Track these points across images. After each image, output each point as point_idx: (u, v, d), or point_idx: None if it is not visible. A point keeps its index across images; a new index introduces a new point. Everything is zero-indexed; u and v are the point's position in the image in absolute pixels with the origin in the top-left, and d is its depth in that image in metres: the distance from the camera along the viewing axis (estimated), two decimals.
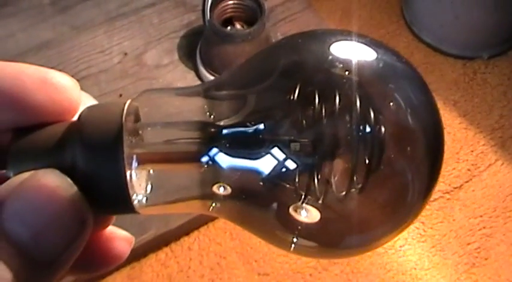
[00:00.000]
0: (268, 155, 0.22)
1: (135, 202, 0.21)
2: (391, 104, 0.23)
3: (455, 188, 0.92)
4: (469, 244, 0.88)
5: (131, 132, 0.21)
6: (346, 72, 0.22)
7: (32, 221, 0.18)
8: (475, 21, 1.02)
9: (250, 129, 0.22)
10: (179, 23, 0.98)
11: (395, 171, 0.23)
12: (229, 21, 0.90)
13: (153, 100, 0.24)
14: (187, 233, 0.87)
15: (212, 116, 0.23)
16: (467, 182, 0.93)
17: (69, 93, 0.22)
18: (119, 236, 0.24)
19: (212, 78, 0.89)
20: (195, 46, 0.94)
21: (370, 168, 0.22)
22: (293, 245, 0.24)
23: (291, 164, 0.22)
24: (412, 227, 0.91)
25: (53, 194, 0.19)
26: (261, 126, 0.22)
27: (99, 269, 0.24)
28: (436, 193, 0.92)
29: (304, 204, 0.22)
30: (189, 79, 0.92)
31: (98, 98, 0.24)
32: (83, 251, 0.20)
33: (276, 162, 0.22)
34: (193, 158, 0.22)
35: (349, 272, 0.85)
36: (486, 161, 0.95)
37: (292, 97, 0.22)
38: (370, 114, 0.22)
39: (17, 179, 0.19)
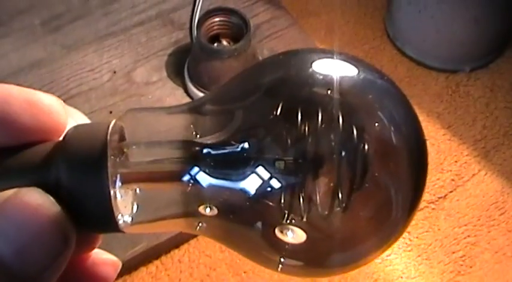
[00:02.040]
0: (253, 174, 0.22)
1: (120, 221, 0.21)
2: (374, 121, 0.23)
3: (439, 198, 0.94)
4: (454, 252, 0.89)
5: (116, 151, 0.22)
6: (329, 90, 0.22)
7: (14, 238, 0.19)
8: (457, 35, 1.05)
9: (235, 148, 0.22)
10: (167, 41, 1.00)
11: (379, 189, 0.23)
12: (216, 38, 0.93)
13: (138, 119, 0.24)
14: (177, 246, 0.88)
15: (197, 135, 0.23)
16: (451, 192, 0.95)
17: (55, 115, 0.22)
18: (105, 260, 0.24)
19: (201, 93, 0.91)
20: (183, 63, 0.96)
21: (353, 186, 0.22)
22: (280, 265, 0.24)
23: (275, 183, 0.22)
24: None
25: (35, 212, 0.19)
26: (246, 144, 0.22)
27: None
28: (421, 203, 0.94)
29: (289, 224, 0.22)
30: (178, 95, 0.94)
31: (89, 115, 0.24)
32: (68, 274, 0.20)
33: (260, 181, 0.22)
34: (178, 177, 0.22)
35: None
36: (470, 171, 0.97)
37: (276, 115, 0.22)
38: (353, 132, 0.22)
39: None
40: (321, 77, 0.23)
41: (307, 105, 0.23)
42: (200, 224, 0.24)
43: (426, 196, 0.94)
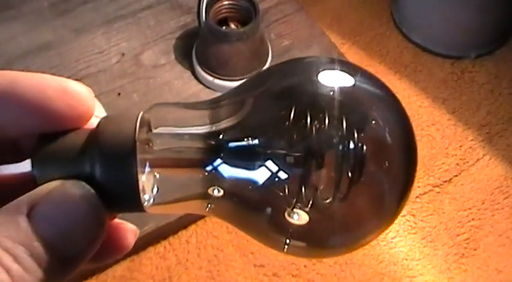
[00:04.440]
0: (263, 167, 0.25)
1: (145, 203, 0.24)
2: (371, 123, 0.26)
3: (444, 181, 0.95)
4: (458, 235, 0.91)
5: (143, 141, 0.24)
6: (333, 96, 0.25)
7: (60, 223, 0.22)
8: (463, 22, 1.06)
9: (249, 143, 0.25)
10: (175, 24, 1.01)
11: (374, 182, 0.26)
12: (224, 22, 0.93)
13: (163, 113, 0.27)
14: (185, 227, 0.89)
15: (215, 129, 0.26)
16: (456, 176, 0.96)
17: (86, 101, 0.24)
18: (125, 227, 0.27)
19: (208, 76, 0.92)
20: (190, 47, 0.97)
21: (352, 179, 0.25)
22: (286, 246, 0.27)
23: (283, 175, 0.25)
24: (403, 219, 0.94)
25: (78, 201, 0.22)
26: (259, 141, 0.25)
27: (107, 258, 0.26)
28: (426, 187, 0.95)
29: (294, 210, 0.25)
30: (185, 78, 0.95)
31: (97, 97, 0.27)
32: None
33: (270, 172, 0.25)
34: (196, 164, 0.25)
35: (343, 263, 0.87)
36: (474, 156, 0.98)
37: (286, 117, 0.25)
38: (353, 132, 0.25)
39: (46, 187, 0.22)
40: (326, 84, 0.26)
41: (313, 109, 0.25)
42: (212, 206, 0.27)
43: (431, 180, 0.95)
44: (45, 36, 0.97)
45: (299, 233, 0.26)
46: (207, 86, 0.94)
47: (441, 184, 0.95)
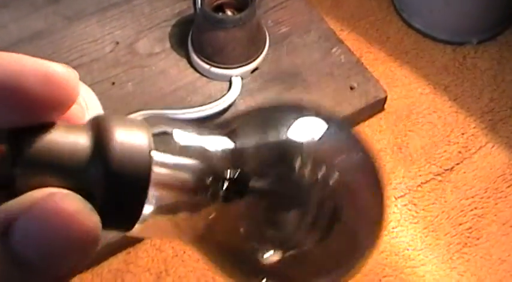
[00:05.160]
0: (241, 204, 0.24)
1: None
2: (338, 168, 0.27)
3: (446, 170, 0.93)
4: (460, 225, 0.89)
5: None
6: (303, 142, 0.26)
7: (46, 245, 0.17)
8: (465, 7, 1.03)
9: (232, 177, 0.24)
10: (170, 12, 0.98)
11: (347, 224, 0.27)
12: (220, 8, 0.91)
13: (169, 135, 0.25)
14: None
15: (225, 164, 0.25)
16: (458, 164, 0.94)
17: (70, 88, 0.20)
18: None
19: (204, 64, 0.90)
20: (186, 34, 0.95)
21: (326, 222, 0.26)
22: None
23: (257, 214, 0.25)
24: (404, 209, 0.92)
25: (71, 219, 0.18)
26: (241, 176, 0.25)
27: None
28: (427, 175, 0.93)
29: (266, 252, 0.26)
30: (181, 66, 0.93)
31: (91, 87, 0.24)
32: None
33: (244, 210, 0.25)
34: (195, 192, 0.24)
35: None
36: (477, 143, 0.96)
37: (269, 160, 0.26)
38: (324, 180, 0.26)
39: (29, 197, 0.18)
40: (295, 135, 0.26)
41: (287, 156, 0.26)
42: (193, 234, 0.25)
43: (432, 168, 0.93)
44: (36, 25, 0.95)
45: (272, 274, 0.27)
46: (203, 75, 0.92)
47: (443, 172, 0.93)
